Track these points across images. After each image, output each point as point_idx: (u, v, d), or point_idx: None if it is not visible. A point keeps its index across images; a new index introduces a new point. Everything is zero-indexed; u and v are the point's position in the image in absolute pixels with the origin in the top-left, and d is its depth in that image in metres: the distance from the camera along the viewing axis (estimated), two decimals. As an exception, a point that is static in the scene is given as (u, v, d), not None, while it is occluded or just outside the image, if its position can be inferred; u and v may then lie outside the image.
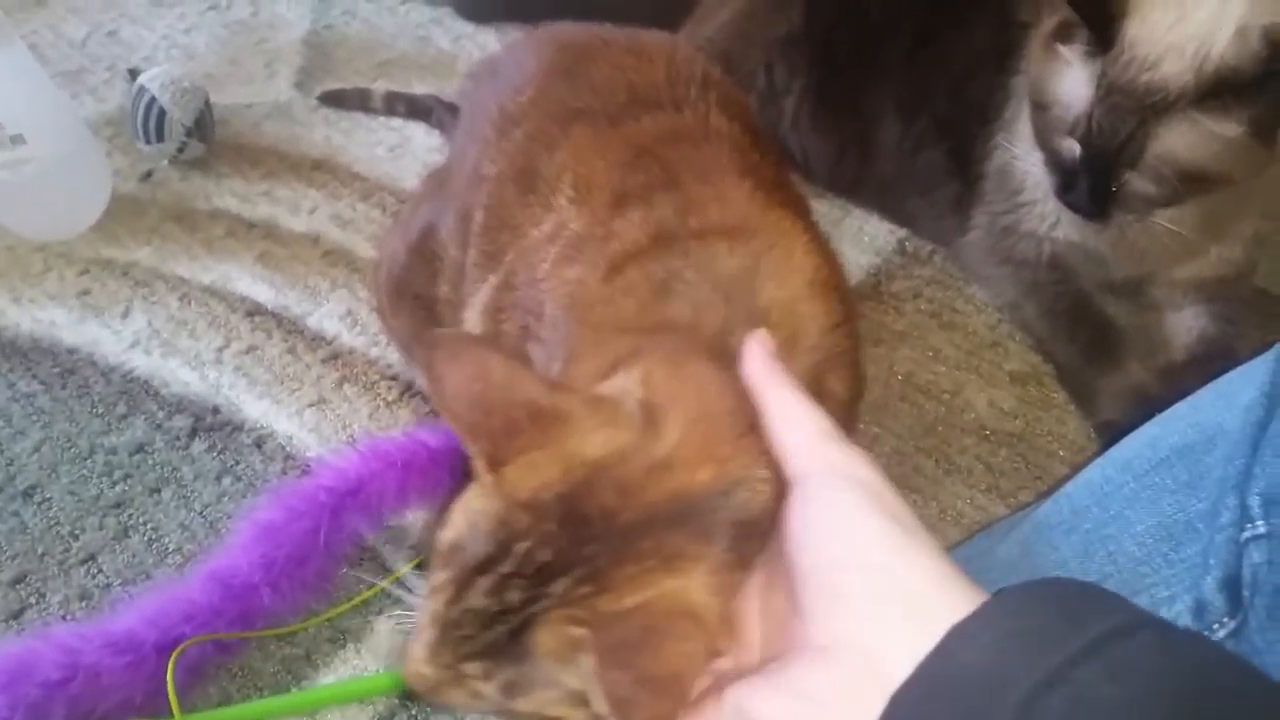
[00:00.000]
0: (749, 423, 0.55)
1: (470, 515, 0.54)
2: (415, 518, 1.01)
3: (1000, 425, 1.11)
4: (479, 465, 0.55)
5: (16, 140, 1.22)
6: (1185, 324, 1.18)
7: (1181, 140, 0.95)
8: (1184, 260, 1.14)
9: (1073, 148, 1.01)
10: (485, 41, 1.64)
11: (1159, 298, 1.20)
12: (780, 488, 0.53)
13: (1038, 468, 1.07)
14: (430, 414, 1.11)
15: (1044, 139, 1.05)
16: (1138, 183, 0.99)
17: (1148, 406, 1.06)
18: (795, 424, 0.54)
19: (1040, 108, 1.04)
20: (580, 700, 0.52)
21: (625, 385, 0.57)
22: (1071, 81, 1.00)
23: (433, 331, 0.57)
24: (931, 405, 1.13)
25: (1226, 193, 1.03)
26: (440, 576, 0.54)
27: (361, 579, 0.97)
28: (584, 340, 0.68)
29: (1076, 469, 1.04)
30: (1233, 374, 0.65)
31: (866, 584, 0.47)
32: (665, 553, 0.51)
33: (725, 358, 0.59)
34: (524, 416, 0.54)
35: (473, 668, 0.53)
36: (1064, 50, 1.01)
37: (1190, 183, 0.98)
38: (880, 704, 0.43)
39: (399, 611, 0.94)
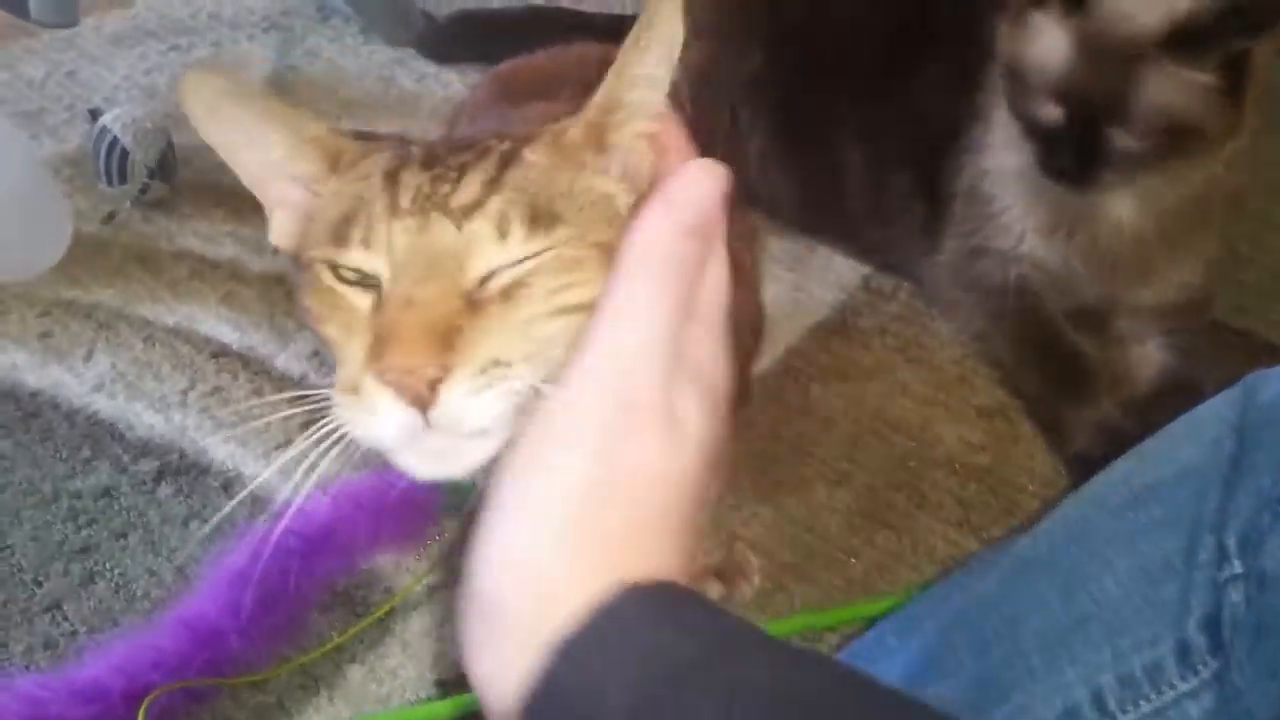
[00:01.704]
0: None
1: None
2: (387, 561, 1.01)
3: (970, 459, 1.12)
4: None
5: (-26, 183, 1.21)
6: (1149, 357, 1.20)
7: (1160, 90, 0.99)
8: (1148, 278, 1.17)
9: (1052, 112, 1.05)
10: (448, 80, 1.64)
11: (1122, 329, 1.22)
12: None
13: (1008, 501, 1.08)
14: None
15: (1021, 108, 1.08)
16: (1122, 139, 1.02)
17: (1116, 439, 1.08)
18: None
19: (1017, 78, 1.08)
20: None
21: None
22: (1048, 45, 1.04)
23: None
24: (901, 440, 1.13)
25: (1188, 196, 1.09)
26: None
27: (333, 625, 0.96)
28: None
29: (1047, 502, 1.06)
30: (1202, 408, 0.66)
31: None
32: None
33: None
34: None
35: (492, 206, 0.47)
36: (1038, 17, 1.05)
37: (1172, 136, 1.01)
38: None
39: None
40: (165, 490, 1.07)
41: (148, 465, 1.09)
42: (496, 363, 0.44)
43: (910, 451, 1.12)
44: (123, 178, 1.36)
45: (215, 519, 1.03)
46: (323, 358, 1.19)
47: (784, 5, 1.36)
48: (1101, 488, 0.68)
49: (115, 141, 1.35)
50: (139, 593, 0.99)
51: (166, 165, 1.38)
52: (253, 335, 1.22)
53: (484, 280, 0.46)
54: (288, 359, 1.19)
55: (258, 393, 1.15)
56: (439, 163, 0.49)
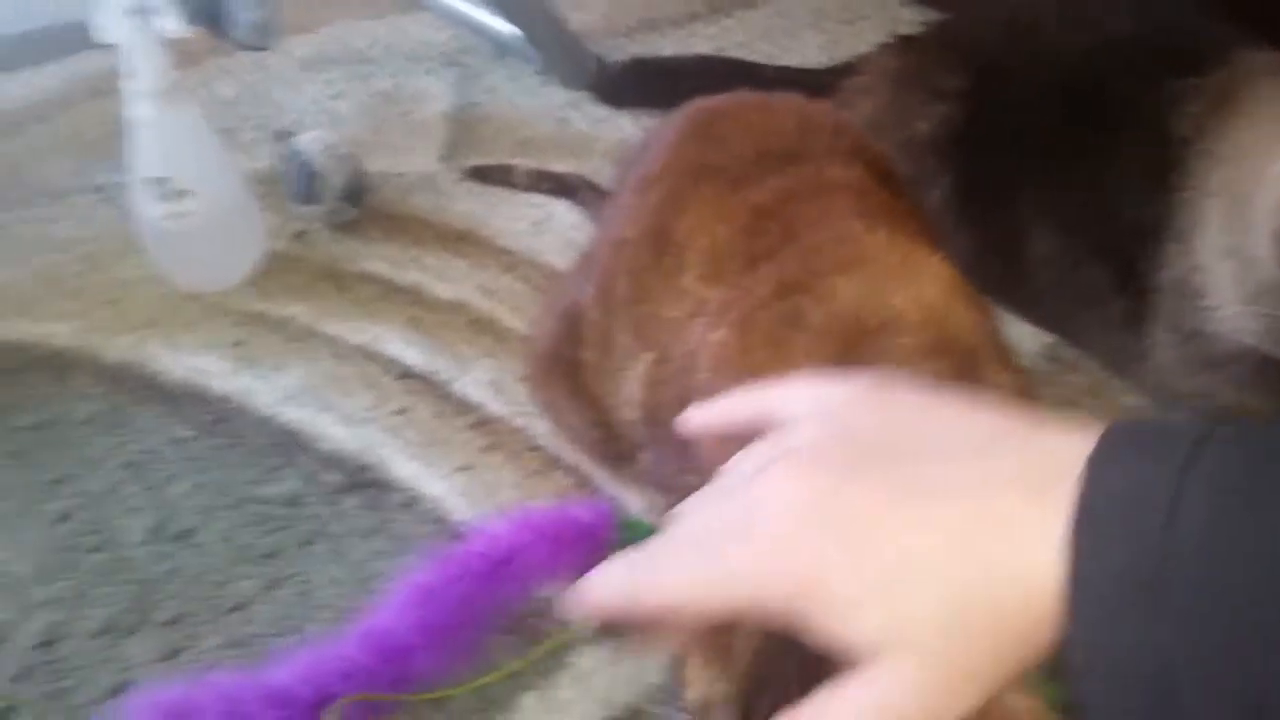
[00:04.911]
0: None
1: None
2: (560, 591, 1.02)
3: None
4: None
5: (184, 194, 1.26)
6: None
7: None
8: None
9: None
10: (621, 125, 1.67)
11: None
12: None
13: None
14: (574, 487, 1.12)
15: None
16: None
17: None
18: None
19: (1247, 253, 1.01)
20: None
21: None
22: None
23: None
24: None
25: None
26: None
27: (506, 650, 0.97)
28: None
29: None
30: None
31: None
32: None
33: None
34: None
35: None
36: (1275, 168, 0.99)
37: None
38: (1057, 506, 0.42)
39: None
40: (350, 502, 1.09)
41: (334, 477, 1.12)
42: None
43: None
44: (313, 199, 1.41)
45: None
46: (500, 386, 1.21)
47: (966, 70, 1.36)
48: None
49: (308, 164, 1.40)
50: (323, 601, 1.01)
51: (355, 190, 1.42)
52: (435, 360, 1.24)
53: None
54: (466, 385, 1.22)
55: (440, 415, 1.18)
56: None
